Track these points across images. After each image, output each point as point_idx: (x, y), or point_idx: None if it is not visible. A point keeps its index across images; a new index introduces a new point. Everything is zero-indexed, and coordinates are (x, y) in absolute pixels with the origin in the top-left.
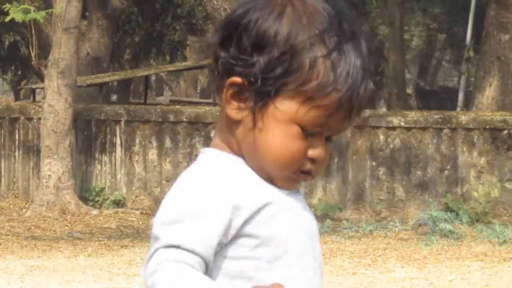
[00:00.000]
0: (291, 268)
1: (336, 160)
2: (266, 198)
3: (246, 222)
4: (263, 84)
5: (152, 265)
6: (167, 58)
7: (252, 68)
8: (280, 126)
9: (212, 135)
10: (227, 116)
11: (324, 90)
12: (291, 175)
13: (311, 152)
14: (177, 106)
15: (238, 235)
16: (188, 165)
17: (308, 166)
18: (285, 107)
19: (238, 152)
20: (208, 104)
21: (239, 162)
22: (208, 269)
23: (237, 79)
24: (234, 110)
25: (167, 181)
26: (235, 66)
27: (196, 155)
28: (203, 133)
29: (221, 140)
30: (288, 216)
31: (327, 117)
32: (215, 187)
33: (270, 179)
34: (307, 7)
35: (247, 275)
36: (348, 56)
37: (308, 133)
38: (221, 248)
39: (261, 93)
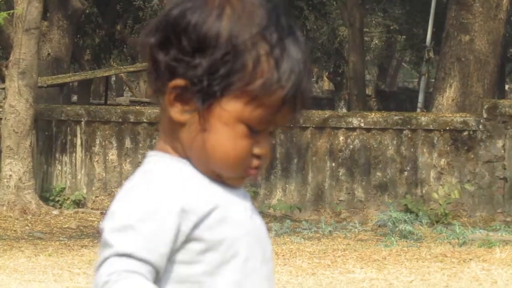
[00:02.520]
0: (237, 272)
1: (295, 161)
2: (214, 202)
3: (195, 226)
4: (207, 85)
5: (103, 275)
6: (128, 59)
7: (195, 70)
8: (226, 126)
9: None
10: (170, 118)
11: (269, 89)
12: (239, 173)
13: (257, 150)
14: (137, 107)
15: (187, 240)
16: None
17: (255, 162)
18: (231, 107)
19: (183, 155)
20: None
21: (185, 164)
22: (159, 276)
23: (180, 82)
24: (178, 112)
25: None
26: (177, 68)
27: None
28: None
29: (165, 143)
30: (236, 220)
31: (273, 114)
32: (163, 191)
33: (217, 179)
34: (245, 4)
35: (196, 280)
36: (289, 51)
37: (254, 131)
38: (171, 253)
39: (206, 95)
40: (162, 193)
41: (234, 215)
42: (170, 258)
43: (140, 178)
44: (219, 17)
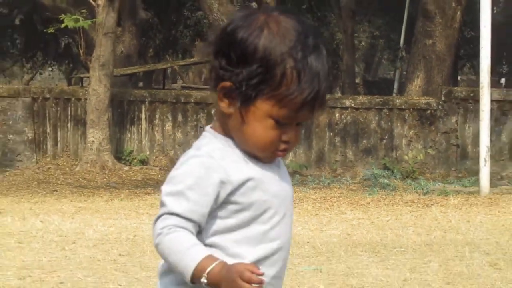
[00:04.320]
0: (265, 224)
1: (303, 131)
2: (247, 175)
3: (230, 193)
4: (245, 89)
5: (158, 227)
6: (180, 56)
7: (237, 77)
8: (259, 120)
9: (212, 112)
10: (220, 109)
11: (291, 94)
12: (269, 155)
13: (284, 137)
14: (186, 91)
15: (224, 202)
16: (194, 135)
17: (283, 146)
18: (262, 106)
19: (229, 134)
20: (209, 89)
21: (228, 142)
22: (201, 228)
23: (227, 84)
24: (225, 107)
25: (179, 145)
26: (224, 75)
27: (201, 127)
28: (206, 111)
29: (218, 123)
30: (266, 187)
31: (295, 112)
32: (208, 167)
33: (254, 156)
34: (280, 28)
35: (232, 230)
36: (311, 65)
37: (280, 123)
38: (212, 210)
39: (245, 96)
40: (206, 168)
41: (264, 184)
42: (212, 214)
43: (193, 154)
44: (258, 36)
